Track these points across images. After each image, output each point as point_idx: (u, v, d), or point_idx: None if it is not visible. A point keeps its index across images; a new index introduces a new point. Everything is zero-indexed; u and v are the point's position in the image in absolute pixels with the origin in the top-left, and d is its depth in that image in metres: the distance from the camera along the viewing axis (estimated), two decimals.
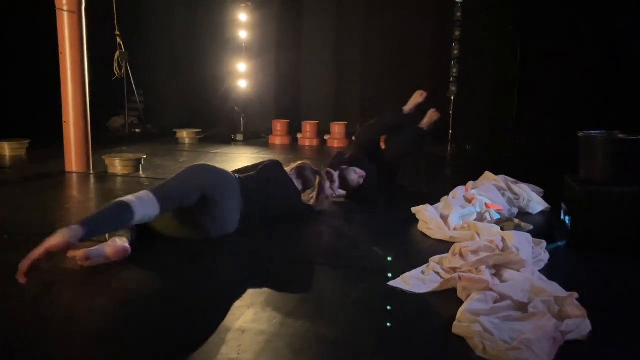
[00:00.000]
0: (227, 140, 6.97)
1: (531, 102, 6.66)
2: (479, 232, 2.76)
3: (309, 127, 6.91)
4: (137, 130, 7.63)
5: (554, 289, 2.10)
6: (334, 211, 3.52)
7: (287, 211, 3.16)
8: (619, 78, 6.17)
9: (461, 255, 2.39)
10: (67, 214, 3.41)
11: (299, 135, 7.01)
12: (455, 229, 2.98)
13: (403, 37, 7.09)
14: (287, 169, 3.27)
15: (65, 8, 4.42)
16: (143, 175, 4.56)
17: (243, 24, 6.95)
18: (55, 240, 2.13)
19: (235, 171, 3.04)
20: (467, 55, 6.44)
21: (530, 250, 2.47)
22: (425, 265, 2.42)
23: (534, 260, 2.47)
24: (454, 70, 6.38)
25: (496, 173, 3.85)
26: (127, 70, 7.30)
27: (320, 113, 7.39)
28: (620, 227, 2.75)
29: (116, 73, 7.24)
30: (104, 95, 7.64)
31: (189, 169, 2.74)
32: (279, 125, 6.99)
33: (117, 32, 7.04)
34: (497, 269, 2.28)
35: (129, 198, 2.41)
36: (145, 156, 4.80)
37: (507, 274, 2.24)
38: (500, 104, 6.73)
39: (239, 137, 7.02)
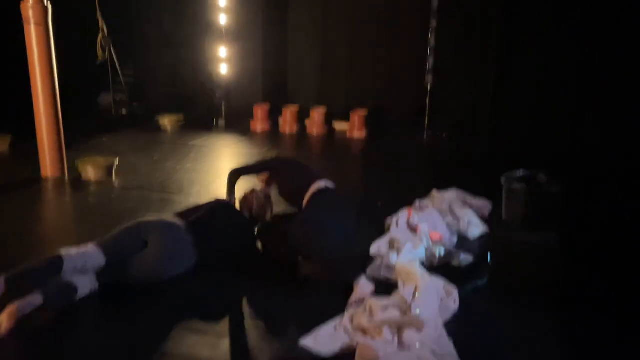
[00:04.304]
0: (209, 126, 7.11)
1: (512, 90, 6.65)
2: (400, 274, 2.96)
3: (289, 114, 7.01)
4: (123, 111, 7.79)
5: (446, 351, 2.33)
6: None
7: (240, 243, 3.39)
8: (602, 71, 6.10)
9: (371, 312, 2.60)
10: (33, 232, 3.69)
11: (280, 120, 7.11)
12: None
13: (387, 23, 7.04)
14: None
15: (32, 21, 4.52)
16: (115, 184, 4.77)
17: (222, 8, 6.95)
18: None
19: (178, 213, 3.25)
20: (445, 44, 6.45)
21: (436, 305, 2.67)
22: (339, 318, 2.65)
23: (441, 310, 2.68)
24: (430, 60, 6.42)
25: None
26: (110, 53, 7.42)
27: (305, 95, 7.47)
28: (532, 274, 2.94)
29: (99, 56, 7.40)
30: (95, 72, 7.80)
31: (131, 222, 2.97)
32: (260, 111, 7.09)
33: (99, 16, 7.15)
34: (400, 329, 2.50)
35: (66, 249, 2.69)
36: (117, 162, 4.98)
37: (408, 335, 2.46)
38: (479, 91, 6.75)
39: (221, 122, 7.15)
